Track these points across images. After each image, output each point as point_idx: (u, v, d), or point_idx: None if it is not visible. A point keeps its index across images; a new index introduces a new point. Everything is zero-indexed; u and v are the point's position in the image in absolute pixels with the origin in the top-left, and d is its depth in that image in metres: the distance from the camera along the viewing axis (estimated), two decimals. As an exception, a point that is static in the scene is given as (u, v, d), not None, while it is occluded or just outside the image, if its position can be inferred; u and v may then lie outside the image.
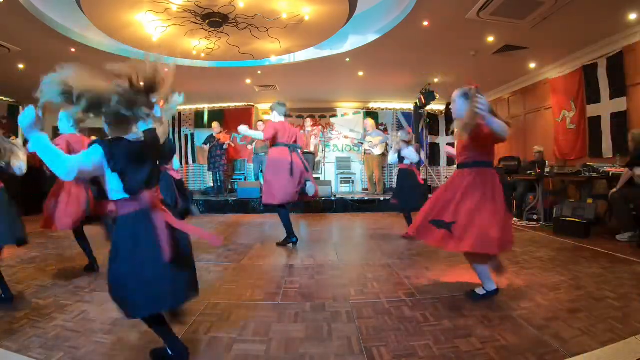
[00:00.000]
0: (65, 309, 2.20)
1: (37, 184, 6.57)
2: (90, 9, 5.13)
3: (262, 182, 5.23)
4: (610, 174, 4.74)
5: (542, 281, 2.70)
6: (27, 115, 1.31)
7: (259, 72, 7.72)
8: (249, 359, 1.67)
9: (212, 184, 8.71)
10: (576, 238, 4.24)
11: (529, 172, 5.84)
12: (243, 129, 3.93)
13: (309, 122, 8.56)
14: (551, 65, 6.85)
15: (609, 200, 4.47)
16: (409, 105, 9.94)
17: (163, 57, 1.57)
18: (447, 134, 10.26)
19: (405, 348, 1.73)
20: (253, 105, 10.27)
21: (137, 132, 1.52)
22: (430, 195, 5.32)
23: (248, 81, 8.32)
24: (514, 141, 8.06)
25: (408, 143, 4.66)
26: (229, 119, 10.01)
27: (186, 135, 10.33)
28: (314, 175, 8.63)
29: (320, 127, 9.87)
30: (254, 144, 7.93)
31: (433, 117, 10.17)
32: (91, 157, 1.37)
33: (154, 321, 1.54)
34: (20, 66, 6.71)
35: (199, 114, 10.31)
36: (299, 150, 4.00)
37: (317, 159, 8.70)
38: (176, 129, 10.25)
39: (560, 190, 6.07)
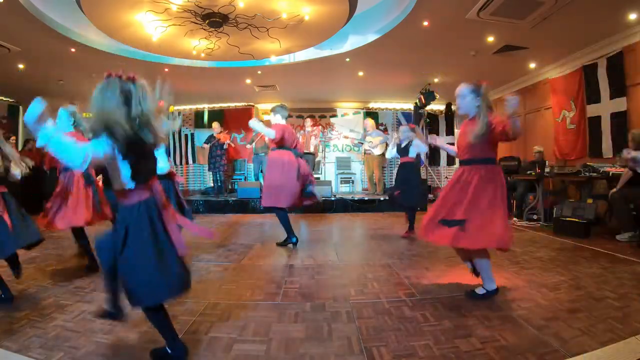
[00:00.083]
0: (65, 309, 2.20)
1: (37, 184, 6.59)
2: (90, 9, 5.13)
3: (262, 183, 5.22)
4: (610, 174, 4.74)
5: (542, 281, 2.70)
6: (33, 109, 1.30)
7: (259, 72, 7.72)
8: (249, 359, 1.67)
9: (212, 184, 8.72)
10: (576, 238, 4.24)
11: (529, 172, 5.84)
12: (255, 122, 3.85)
13: (309, 122, 8.57)
14: (551, 65, 6.85)
15: (609, 200, 4.47)
16: (409, 105, 9.94)
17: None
18: (447, 134, 10.26)
19: (405, 348, 1.73)
20: (253, 105, 10.27)
21: None
22: (430, 196, 5.28)
23: (248, 81, 8.33)
24: (514, 141, 8.06)
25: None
26: (229, 119, 10.01)
27: (186, 135, 10.33)
28: (314, 176, 8.66)
29: (320, 127, 9.87)
30: (254, 143, 7.93)
31: (433, 117, 10.16)
32: (103, 146, 1.39)
33: (157, 313, 1.57)
34: (20, 66, 6.71)
35: (199, 114, 10.31)
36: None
37: (317, 159, 8.70)
38: (176, 129, 10.24)
39: (560, 190, 6.07)
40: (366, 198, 7.51)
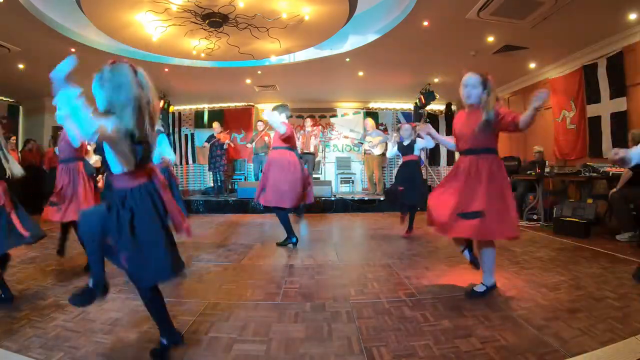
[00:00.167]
0: (65, 309, 2.20)
1: (37, 183, 6.59)
2: (90, 9, 5.13)
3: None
4: (610, 174, 4.74)
5: (542, 281, 2.70)
6: (64, 65, 1.34)
7: (259, 72, 7.72)
8: (249, 359, 1.67)
9: (212, 184, 8.72)
10: (576, 238, 4.24)
11: (529, 172, 5.84)
12: (270, 115, 3.82)
13: (309, 122, 8.57)
14: (551, 65, 6.85)
15: (609, 200, 4.47)
16: (409, 105, 9.94)
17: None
18: (447, 134, 10.25)
19: (405, 348, 1.73)
20: (253, 105, 10.27)
21: None
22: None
23: (248, 81, 8.32)
24: (514, 141, 8.07)
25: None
26: (229, 119, 10.01)
27: (186, 135, 10.33)
28: (314, 175, 8.67)
29: (320, 127, 9.86)
30: (254, 143, 7.93)
31: (433, 117, 10.16)
32: (112, 122, 1.41)
33: (157, 297, 1.63)
34: (20, 66, 6.71)
35: (199, 114, 10.31)
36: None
37: (317, 159, 8.70)
38: (176, 129, 10.25)
39: (560, 190, 6.07)
40: (366, 198, 7.51)
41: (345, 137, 9.69)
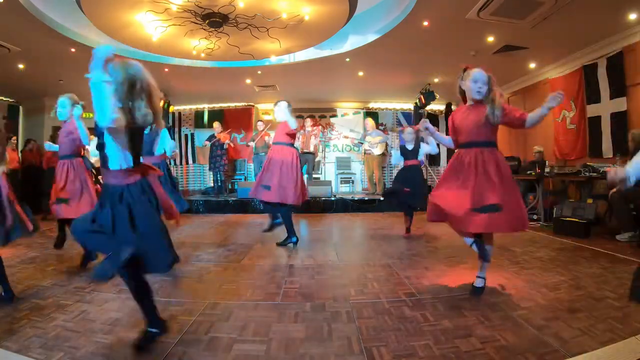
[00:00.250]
0: (65, 309, 2.20)
1: (36, 182, 6.60)
2: (90, 9, 5.13)
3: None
4: (610, 174, 4.73)
5: (542, 281, 2.70)
6: (108, 48, 1.45)
7: (259, 72, 7.72)
8: (249, 359, 1.67)
9: (212, 184, 8.72)
10: (576, 238, 4.24)
11: (529, 172, 5.84)
12: (282, 107, 3.82)
13: (309, 122, 8.57)
14: (551, 65, 6.85)
15: (609, 200, 4.47)
16: (409, 105, 9.94)
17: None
18: (447, 134, 10.23)
19: (405, 348, 1.73)
20: (253, 105, 10.27)
21: None
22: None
23: (248, 81, 8.33)
24: (514, 141, 8.07)
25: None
26: (229, 119, 10.01)
27: (186, 135, 10.33)
28: (314, 175, 8.67)
29: (320, 127, 9.86)
30: (254, 142, 7.93)
31: (433, 117, 10.16)
32: (124, 115, 1.51)
33: (147, 287, 1.72)
34: (20, 66, 6.71)
35: (199, 114, 10.31)
36: None
37: (317, 159, 8.70)
38: (176, 129, 10.25)
39: (560, 190, 6.07)
40: (366, 198, 7.51)
41: (345, 137, 9.68)
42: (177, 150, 8.97)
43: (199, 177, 10.36)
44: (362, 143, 8.54)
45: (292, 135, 3.91)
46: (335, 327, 1.97)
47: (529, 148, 7.11)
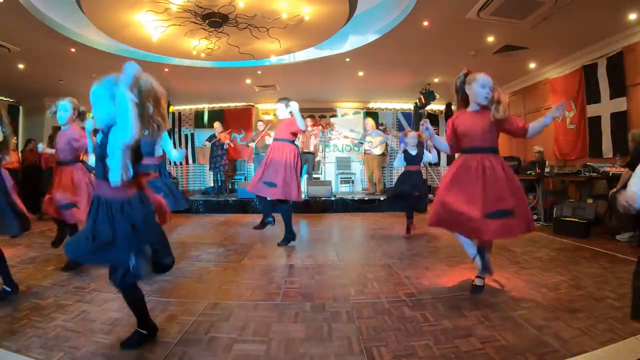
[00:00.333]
0: (65, 309, 2.20)
1: (36, 181, 6.60)
2: (90, 9, 5.13)
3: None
4: (610, 174, 4.74)
5: (542, 281, 2.70)
6: (135, 67, 1.51)
7: (259, 72, 7.72)
8: (249, 359, 1.67)
9: (212, 184, 8.72)
10: (576, 238, 4.24)
11: (529, 172, 5.83)
12: (294, 105, 3.84)
13: (309, 122, 8.56)
14: (551, 65, 6.85)
15: (609, 200, 4.47)
16: (409, 105, 9.94)
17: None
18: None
19: (405, 348, 1.73)
20: (253, 105, 10.27)
21: None
22: (430, 196, 5.23)
23: (248, 81, 8.33)
24: (514, 141, 8.06)
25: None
26: (229, 119, 10.01)
27: (186, 135, 10.33)
28: (314, 175, 8.67)
29: (320, 127, 9.87)
30: (254, 142, 7.93)
31: (433, 117, 10.16)
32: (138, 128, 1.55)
33: (137, 292, 1.74)
34: (20, 66, 6.71)
35: (199, 114, 10.31)
36: None
37: (317, 159, 8.70)
38: (176, 129, 10.25)
39: (560, 190, 6.07)
40: (366, 198, 7.51)
41: (345, 137, 9.69)
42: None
43: (199, 177, 10.36)
44: (362, 143, 8.55)
45: (296, 134, 3.94)
46: (335, 327, 1.97)
47: (529, 148, 7.11)
